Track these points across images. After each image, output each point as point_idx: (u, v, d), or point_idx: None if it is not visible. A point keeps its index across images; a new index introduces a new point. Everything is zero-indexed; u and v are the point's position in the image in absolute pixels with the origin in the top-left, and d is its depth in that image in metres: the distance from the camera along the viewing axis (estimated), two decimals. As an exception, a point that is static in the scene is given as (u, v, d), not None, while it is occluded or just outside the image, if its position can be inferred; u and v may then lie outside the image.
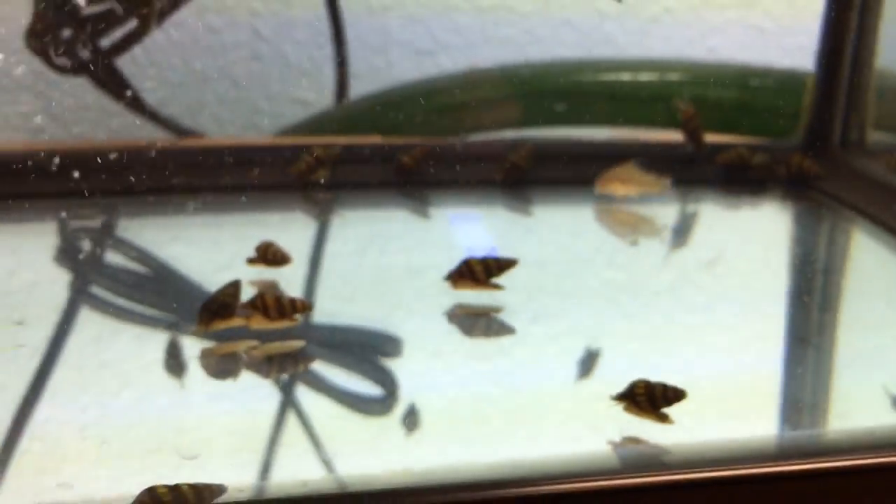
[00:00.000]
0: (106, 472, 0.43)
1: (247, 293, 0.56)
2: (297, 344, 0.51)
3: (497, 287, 0.57)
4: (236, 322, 0.51)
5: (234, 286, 0.52)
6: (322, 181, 0.76)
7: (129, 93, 0.91)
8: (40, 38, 0.83)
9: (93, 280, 0.71)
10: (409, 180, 0.77)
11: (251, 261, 0.58)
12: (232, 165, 0.79)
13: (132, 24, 0.84)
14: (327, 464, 0.45)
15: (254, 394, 0.49)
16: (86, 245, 0.79)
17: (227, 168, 0.79)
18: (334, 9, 1.08)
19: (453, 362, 0.53)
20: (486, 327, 0.57)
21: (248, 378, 0.50)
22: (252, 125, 1.30)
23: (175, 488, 0.37)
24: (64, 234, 0.78)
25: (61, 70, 0.85)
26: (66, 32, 0.83)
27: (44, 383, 0.53)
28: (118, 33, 0.83)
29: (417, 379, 0.51)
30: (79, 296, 0.68)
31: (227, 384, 0.50)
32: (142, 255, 0.74)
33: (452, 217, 0.77)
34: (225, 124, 1.29)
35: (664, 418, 0.47)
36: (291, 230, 0.74)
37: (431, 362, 0.53)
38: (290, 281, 0.60)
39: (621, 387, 0.48)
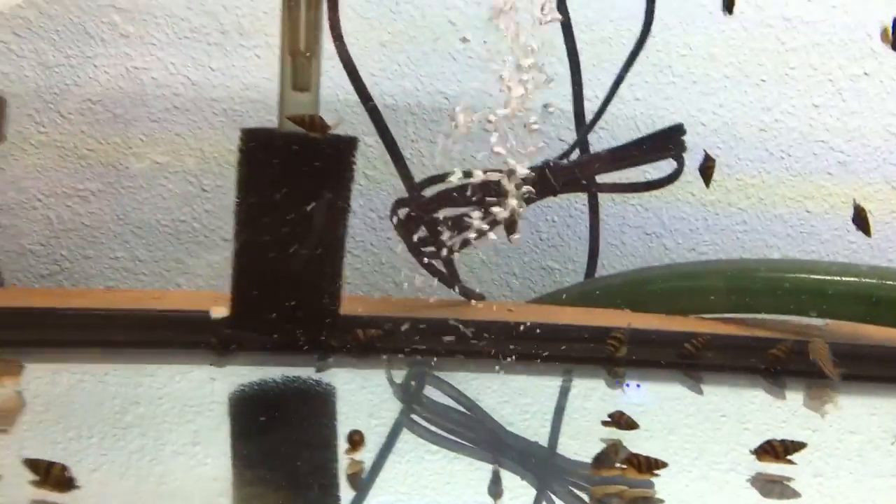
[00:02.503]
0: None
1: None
2: (650, 492, 0.72)
3: (791, 462, 0.77)
4: (615, 472, 0.73)
5: (616, 445, 0.74)
6: (621, 357, 0.99)
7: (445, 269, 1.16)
8: (402, 216, 1.11)
9: (424, 415, 0.95)
10: (690, 363, 0.99)
11: (606, 423, 0.81)
12: (539, 337, 1.03)
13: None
14: None
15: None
16: (416, 388, 1.03)
17: (534, 338, 1.03)
18: (594, 198, 1.33)
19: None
20: (780, 493, 0.76)
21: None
22: (506, 285, 1.57)
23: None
24: (394, 378, 1.02)
25: (409, 244, 1.12)
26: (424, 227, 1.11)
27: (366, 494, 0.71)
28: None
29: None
30: (409, 425, 0.91)
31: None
32: (462, 399, 0.97)
33: (721, 397, 0.97)
34: (483, 283, 1.56)
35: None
36: (591, 398, 0.98)
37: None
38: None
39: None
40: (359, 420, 0.87)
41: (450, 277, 1.14)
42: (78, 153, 1.43)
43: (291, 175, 0.89)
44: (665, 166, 1.19)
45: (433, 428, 0.90)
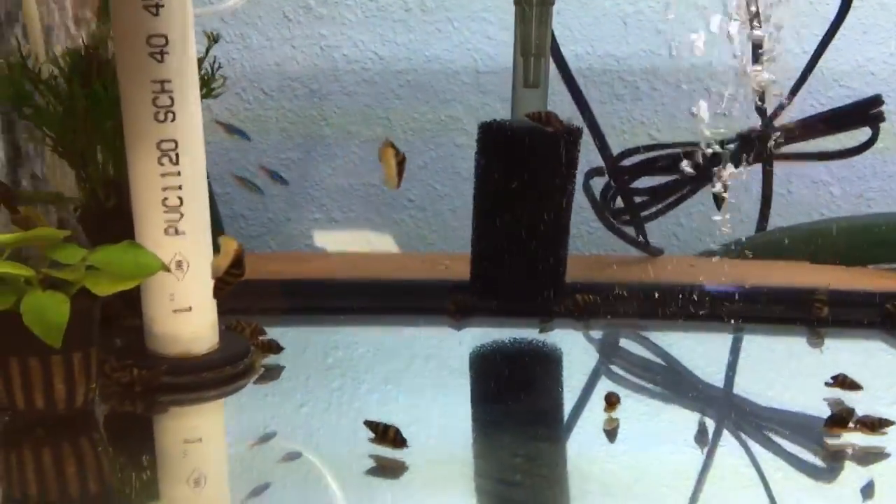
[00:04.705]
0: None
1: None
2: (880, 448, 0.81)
3: None
4: (844, 430, 0.83)
5: (847, 408, 0.84)
6: (824, 317, 1.07)
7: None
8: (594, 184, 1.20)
9: (618, 364, 1.05)
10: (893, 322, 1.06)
11: (829, 385, 0.90)
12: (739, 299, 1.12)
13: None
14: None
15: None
16: (616, 341, 1.13)
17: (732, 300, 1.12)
18: (769, 157, 1.39)
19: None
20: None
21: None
22: (673, 235, 1.65)
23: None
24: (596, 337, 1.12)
25: (603, 215, 1.22)
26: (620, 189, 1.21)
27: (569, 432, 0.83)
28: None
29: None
30: (605, 372, 1.01)
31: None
32: (665, 357, 1.07)
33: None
34: (650, 234, 1.64)
35: None
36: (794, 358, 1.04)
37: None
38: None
39: None
40: (571, 373, 0.99)
41: (637, 240, 1.24)
42: (279, 126, 1.58)
43: (523, 160, 1.00)
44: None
45: (632, 378, 1.00)
